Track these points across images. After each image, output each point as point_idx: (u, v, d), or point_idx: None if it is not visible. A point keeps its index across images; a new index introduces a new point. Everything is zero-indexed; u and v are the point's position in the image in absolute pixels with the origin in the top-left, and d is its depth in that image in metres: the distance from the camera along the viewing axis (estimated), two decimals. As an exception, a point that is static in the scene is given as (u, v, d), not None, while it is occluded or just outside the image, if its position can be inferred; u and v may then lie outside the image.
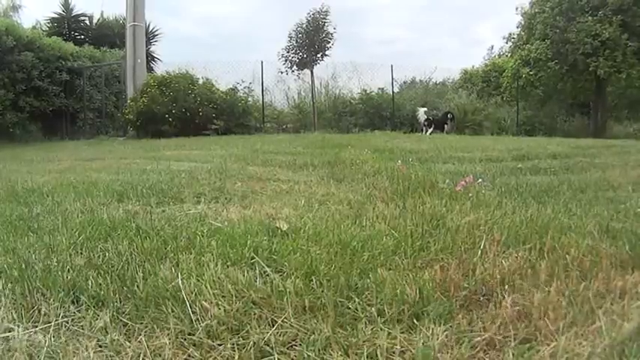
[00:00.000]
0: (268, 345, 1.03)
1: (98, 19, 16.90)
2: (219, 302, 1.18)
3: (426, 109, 12.94)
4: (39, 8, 33.80)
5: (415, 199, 2.37)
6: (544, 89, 15.72)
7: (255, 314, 1.15)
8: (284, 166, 3.98)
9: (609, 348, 0.97)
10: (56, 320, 1.14)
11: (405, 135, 10.15)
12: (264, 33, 40.22)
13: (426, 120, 12.17)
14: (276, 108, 14.42)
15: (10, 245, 1.65)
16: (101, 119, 12.91)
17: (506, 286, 1.28)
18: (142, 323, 1.12)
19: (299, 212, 2.16)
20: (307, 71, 13.25)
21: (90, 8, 18.28)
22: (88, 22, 16.60)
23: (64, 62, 11.83)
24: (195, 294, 1.22)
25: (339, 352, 1.00)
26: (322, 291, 1.25)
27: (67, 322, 1.14)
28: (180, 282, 1.27)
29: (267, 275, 1.38)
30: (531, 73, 15.06)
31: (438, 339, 1.04)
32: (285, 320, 1.12)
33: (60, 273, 1.37)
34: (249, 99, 12.44)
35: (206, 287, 1.25)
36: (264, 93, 13.15)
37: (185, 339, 1.06)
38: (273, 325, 1.10)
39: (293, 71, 13.31)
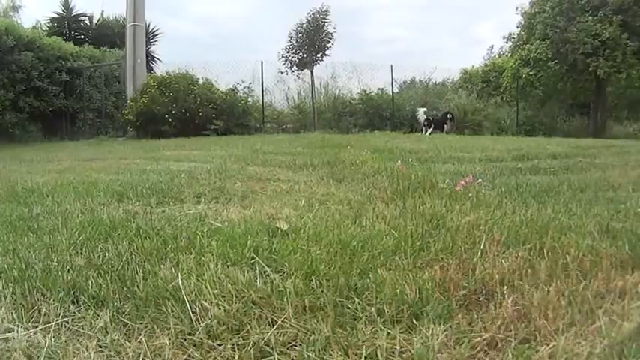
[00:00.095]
0: (268, 345, 1.03)
1: (98, 19, 16.91)
2: (219, 302, 1.19)
3: (425, 109, 12.95)
4: (39, 8, 33.87)
5: (415, 199, 2.37)
6: (544, 89, 15.73)
7: (255, 314, 1.15)
8: (284, 167, 3.98)
9: (609, 348, 0.97)
10: (56, 320, 1.14)
11: (405, 135, 10.16)
12: (264, 33, 40.27)
13: (425, 120, 12.17)
14: (275, 108, 14.42)
15: (10, 245, 1.65)
16: (101, 119, 12.92)
17: (506, 286, 1.28)
18: (142, 323, 1.12)
19: (299, 212, 2.16)
20: (307, 71, 13.25)
21: (90, 8, 18.28)
22: (88, 22, 16.61)
23: (63, 62, 11.83)
24: (195, 294, 1.22)
25: (339, 352, 1.00)
26: (322, 291, 1.25)
27: (67, 322, 1.14)
28: (180, 282, 1.28)
29: (267, 275, 1.38)
30: (531, 73, 15.07)
31: (437, 339, 1.04)
32: (285, 320, 1.12)
33: (60, 273, 1.37)
34: (249, 99, 12.45)
35: (206, 287, 1.25)
36: (263, 93, 13.17)
37: (185, 339, 1.06)
38: (273, 325, 1.11)
39: (293, 71, 13.32)
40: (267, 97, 13.72)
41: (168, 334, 1.07)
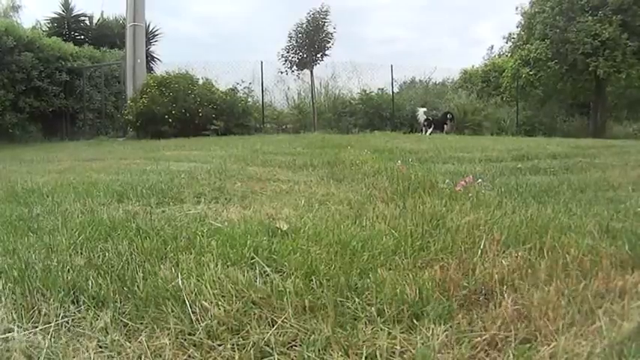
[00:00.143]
0: (268, 345, 1.03)
1: (98, 19, 16.91)
2: (219, 302, 1.18)
3: (425, 109, 12.95)
4: (39, 8, 33.85)
5: (415, 199, 2.37)
6: (544, 89, 15.73)
7: (255, 314, 1.15)
8: (284, 167, 3.98)
9: (609, 348, 0.97)
10: (56, 321, 1.14)
11: (405, 135, 10.16)
12: (264, 33, 40.27)
13: (425, 120, 12.17)
14: (275, 108, 14.42)
15: (10, 246, 1.65)
16: (101, 120, 12.92)
17: (506, 286, 1.28)
18: (142, 323, 1.12)
19: (299, 212, 2.16)
20: (307, 71, 13.24)
21: (90, 8, 18.30)
22: (88, 22, 16.62)
23: (63, 62, 11.84)
24: (195, 294, 1.22)
25: (339, 353, 1.00)
26: (322, 291, 1.25)
27: (67, 323, 1.14)
28: (180, 282, 1.28)
29: (267, 275, 1.38)
30: (531, 73, 15.07)
31: (437, 339, 1.04)
32: (285, 320, 1.12)
33: (60, 273, 1.37)
34: (249, 99, 12.46)
35: (206, 287, 1.25)
36: (263, 93, 13.16)
37: (185, 339, 1.06)
38: (273, 325, 1.10)
39: (293, 71, 13.31)
40: (267, 97, 13.74)
41: (169, 334, 1.07)
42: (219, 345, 1.04)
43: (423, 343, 1.02)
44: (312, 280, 1.32)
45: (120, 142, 9.76)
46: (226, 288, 1.26)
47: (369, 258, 1.49)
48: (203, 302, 1.18)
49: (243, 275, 1.35)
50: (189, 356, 1.01)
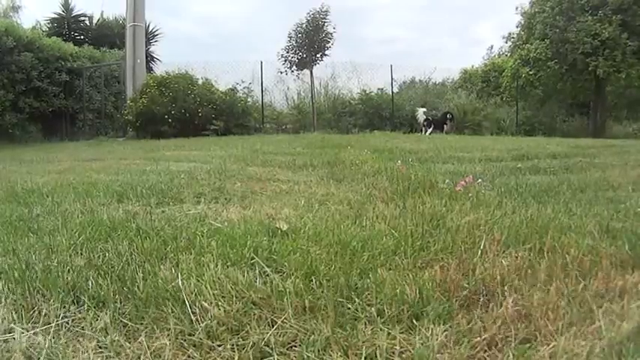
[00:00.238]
0: (268, 345, 1.03)
1: (98, 20, 16.92)
2: (219, 303, 1.18)
3: (425, 109, 12.95)
4: (39, 8, 33.82)
5: (415, 199, 2.37)
6: (543, 89, 15.73)
7: (254, 315, 1.15)
8: (284, 167, 3.98)
9: (608, 348, 0.97)
10: (56, 321, 1.14)
11: (405, 135, 10.16)
12: (264, 33, 40.24)
13: (425, 120, 12.17)
14: (275, 108, 14.42)
15: (10, 246, 1.65)
16: (101, 120, 12.92)
17: (506, 286, 1.28)
18: (142, 324, 1.12)
19: (299, 212, 2.16)
20: (307, 71, 13.25)
21: (90, 8, 18.32)
22: (87, 22, 16.62)
23: (63, 63, 11.84)
24: (195, 294, 1.22)
25: (339, 353, 1.00)
26: (322, 291, 1.25)
27: (67, 323, 1.14)
28: (180, 282, 1.28)
29: (267, 275, 1.38)
30: (531, 72, 15.07)
31: (437, 339, 1.04)
32: (285, 321, 1.12)
33: (60, 274, 1.37)
34: (249, 99, 12.46)
35: (206, 288, 1.25)
36: (263, 93, 13.17)
37: (185, 339, 1.06)
38: (273, 326, 1.11)
39: (292, 71, 13.32)
40: (267, 98, 13.74)
41: (168, 334, 1.07)
42: (219, 345, 1.04)
43: (422, 344, 1.03)
44: (312, 280, 1.32)
45: (120, 142, 9.76)
46: (226, 288, 1.26)
47: (369, 258, 1.49)
48: (203, 303, 1.18)
49: (243, 275, 1.35)
50: (188, 356, 1.01)
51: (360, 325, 1.10)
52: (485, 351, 1.01)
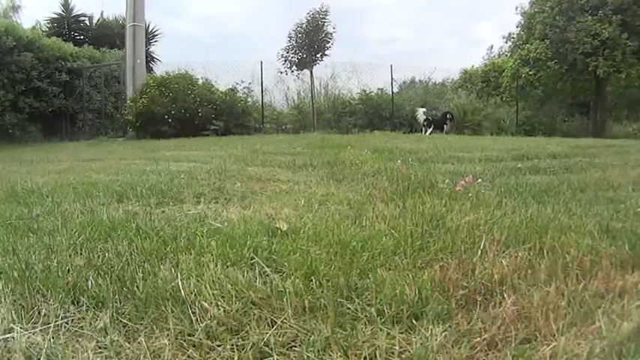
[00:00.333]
0: (268, 346, 1.03)
1: (98, 20, 16.91)
2: (219, 303, 1.18)
3: (425, 109, 12.95)
4: (39, 8, 33.83)
5: (415, 199, 2.37)
6: (543, 89, 15.73)
7: (254, 315, 1.15)
8: (283, 167, 3.98)
9: (608, 348, 0.97)
10: (56, 321, 1.14)
11: (405, 135, 10.15)
12: (264, 33, 40.22)
13: (425, 120, 12.18)
14: (275, 108, 14.41)
15: (10, 246, 1.65)
16: (100, 120, 12.92)
17: (506, 286, 1.28)
18: (141, 324, 1.12)
19: (299, 212, 2.16)
20: (307, 71, 13.24)
21: (90, 8, 18.32)
22: (87, 22, 16.61)
23: (63, 63, 11.84)
24: (195, 294, 1.22)
25: (339, 353, 1.00)
26: (322, 291, 1.25)
27: (67, 323, 1.14)
28: (179, 282, 1.27)
29: (267, 275, 1.38)
30: (531, 72, 15.07)
31: (436, 339, 1.04)
32: (284, 321, 1.12)
33: (60, 274, 1.37)
34: (249, 99, 12.45)
35: (206, 288, 1.25)
36: (263, 93, 13.16)
37: (185, 340, 1.06)
38: (273, 326, 1.10)
39: (292, 71, 13.30)
40: (267, 98, 13.73)
41: (168, 334, 1.07)
42: (219, 345, 1.04)
43: (422, 344, 1.02)
44: (311, 280, 1.32)
45: (119, 143, 9.76)
46: (226, 288, 1.25)
47: (369, 258, 1.49)
48: (203, 303, 1.18)
49: (243, 275, 1.35)
50: (188, 357, 1.01)
51: (359, 325, 1.10)
52: (485, 351, 1.01)
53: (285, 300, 1.19)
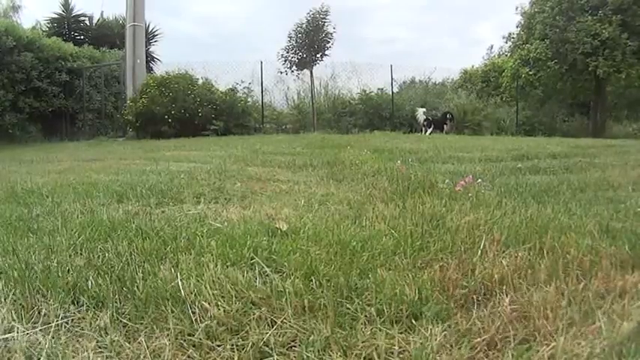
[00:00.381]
0: (267, 345, 1.03)
1: (98, 20, 16.91)
2: (219, 303, 1.19)
3: (425, 109, 12.95)
4: (39, 8, 33.82)
5: (415, 199, 2.37)
6: (543, 89, 15.73)
7: (254, 315, 1.15)
8: (283, 167, 3.98)
9: (608, 348, 0.97)
10: (56, 321, 1.14)
11: (405, 135, 10.15)
12: (264, 33, 40.21)
13: (425, 120, 12.17)
14: (275, 108, 14.40)
15: (10, 246, 1.65)
16: (100, 120, 12.92)
17: (506, 286, 1.28)
18: (141, 324, 1.12)
19: (299, 212, 2.16)
20: (307, 71, 13.23)
21: (90, 8, 18.31)
22: (87, 22, 16.61)
23: (63, 63, 11.84)
24: (195, 294, 1.22)
25: (339, 353, 1.00)
26: (322, 291, 1.25)
27: (67, 323, 1.14)
28: (179, 282, 1.28)
29: (267, 275, 1.38)
30: (531, 72, 15.07)
31: (436, 339, 1.04)
32: (284, 321, 1.12)
33: (60, 274, 1.37)
34: (249, 99, 12.44)
35: (206, 288, 1.25)
36: (263, 93, 13.15)
37: (185, 339, 1.06)
38: (273, 326, 1.11)
39: (292, 71, 13.29)
40: (267, 98, 13.72)
41: (168, 334, 1.07)
42: (219, 345, 1.04)
43: (421, 344, 1.02)
44: (311, 280, 1.32)
45: (119, 143, 9.76)
46: (226, 288, 1.26)
47: (369, 258, 1.49)
48: (203, 303, 1.18)
49: (243, 275, 1.35)
50: (188, 357, 1.01)
51: (359, 325, 1.10)
52: (485, 351, 1.01)
53: (285, 300, 1.19)
